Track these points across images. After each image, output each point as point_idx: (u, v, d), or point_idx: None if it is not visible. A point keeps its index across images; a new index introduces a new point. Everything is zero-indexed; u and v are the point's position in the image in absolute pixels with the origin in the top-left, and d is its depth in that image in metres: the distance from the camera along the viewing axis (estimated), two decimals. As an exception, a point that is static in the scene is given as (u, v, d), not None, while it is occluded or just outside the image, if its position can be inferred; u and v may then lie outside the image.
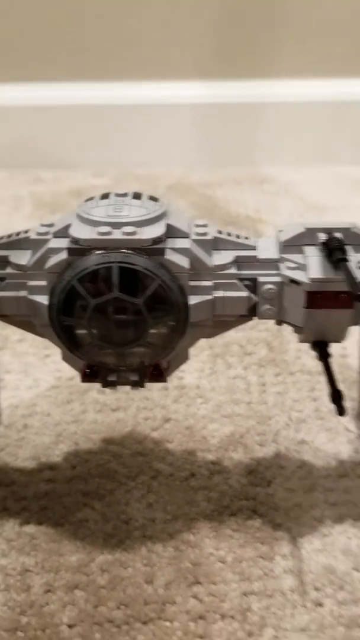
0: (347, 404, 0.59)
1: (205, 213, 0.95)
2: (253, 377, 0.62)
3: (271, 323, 0.75)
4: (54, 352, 0.66)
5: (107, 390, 0.61)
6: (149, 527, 0.46)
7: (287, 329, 0.70)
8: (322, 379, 0.63)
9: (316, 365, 0.65)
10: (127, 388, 0.61)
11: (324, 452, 0.53)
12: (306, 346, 0.69)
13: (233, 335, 0.70)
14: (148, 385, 0.62)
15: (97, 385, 0.61)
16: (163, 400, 0.59)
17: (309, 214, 0.96)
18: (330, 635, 0.39)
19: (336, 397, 0.37)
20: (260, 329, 0.71)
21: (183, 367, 0.65)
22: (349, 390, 0.61)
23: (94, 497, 0.48)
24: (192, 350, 0.70)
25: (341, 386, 0.63)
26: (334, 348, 0.69)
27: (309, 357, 0.66)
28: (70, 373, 0.62)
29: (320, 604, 0.41)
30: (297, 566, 0.43)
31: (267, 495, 0.49)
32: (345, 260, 0.36)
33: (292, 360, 0.65)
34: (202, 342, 0.69)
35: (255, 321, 0.73)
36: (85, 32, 1.05)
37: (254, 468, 0.51)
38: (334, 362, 0.67)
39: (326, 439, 0.54)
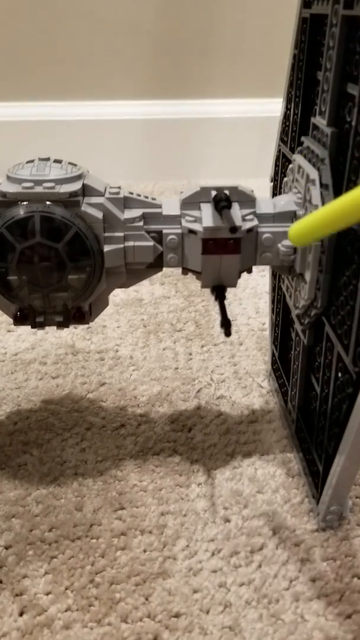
0: (262, 366, 0.64)
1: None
2: (181, 349, 0.66)
3: (200, 305, 0.80)
4: None
5: (49, 361, 0.64)
6: (81, 467, 0.49)
7: (214, 309, 0.76)
8: (243, 348, 0.68)
9: (238, 337, 0.70)
10: (68, 359, 0.65)
11: (239, 404, 0.57)
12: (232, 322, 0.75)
13: (165, 315, 0.74)
14: (85, 356, 0.66)
15: (39, 358, 0.65)
16: (99, 369, 0.62)
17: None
18: (234, 542, 0.43)
19: (224, 323, 0.41)
20: (190, 310, 0.75)
21: (118, 341, 0.69)
22: (263, 356, 0.66)
23: (32, 446, 0.51)
24: (127, 328, 0.74)
25: (257, 353, 0.68)
26: (256, 323, 0.75)
27: (233, 332, 0.70)
28: (14, 349, 0.66)
29: (227, 520, 0.45)
30: (210, 491, 0.47)
31: (187, 439, 0.53)
32: (227, 207, 0.41)
33: (217, 335, 0.69)
34: (137, 322, 0.74)
35: (185, 303, 0.78)
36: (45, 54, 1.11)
37: (176, 418, 0.55)
38: (256, 334, 0.73)
39: (242, 395, 0.59)
